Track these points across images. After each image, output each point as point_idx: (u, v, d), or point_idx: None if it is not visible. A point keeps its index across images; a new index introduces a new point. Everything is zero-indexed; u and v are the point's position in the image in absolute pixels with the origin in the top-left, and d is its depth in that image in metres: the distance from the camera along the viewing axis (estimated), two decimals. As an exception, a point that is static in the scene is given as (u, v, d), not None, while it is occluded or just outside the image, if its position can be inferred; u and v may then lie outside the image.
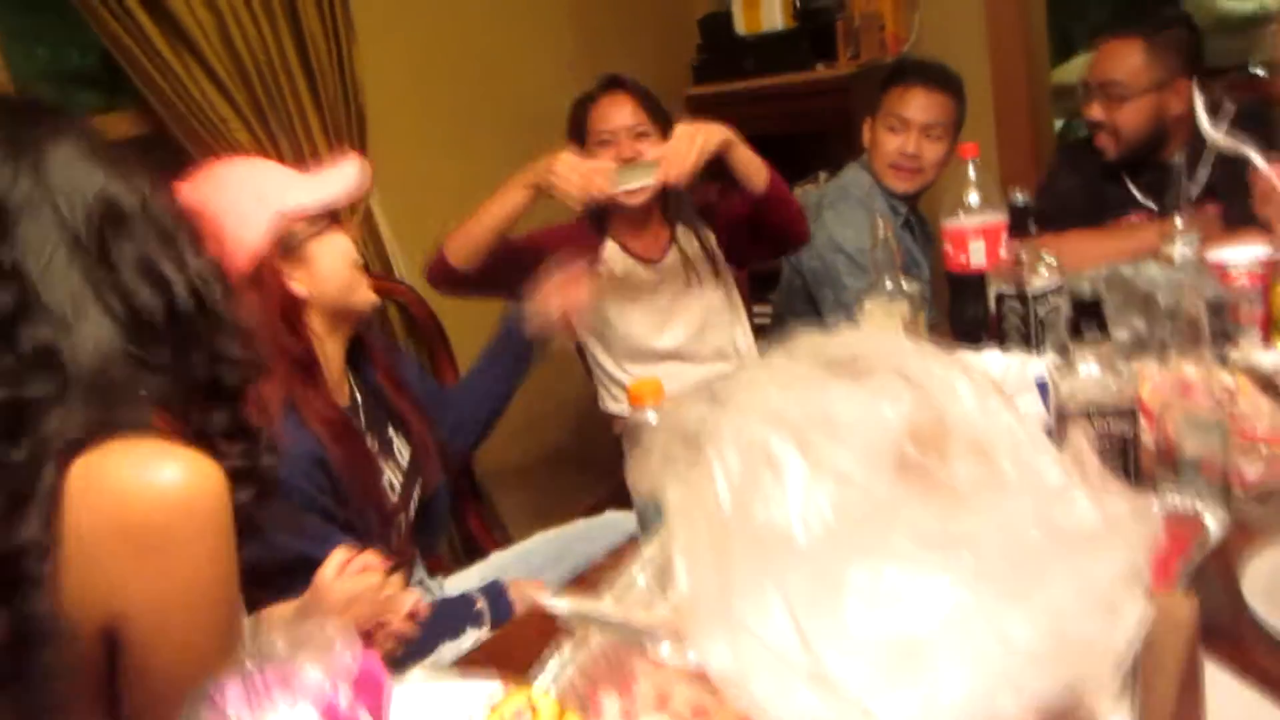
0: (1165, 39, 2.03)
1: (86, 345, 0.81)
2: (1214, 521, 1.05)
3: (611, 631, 0.77)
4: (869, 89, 2.56)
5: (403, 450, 1.52)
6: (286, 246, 1.35)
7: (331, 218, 1.43)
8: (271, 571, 1.14)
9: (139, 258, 0.85)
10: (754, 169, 1.92)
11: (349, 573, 1.13)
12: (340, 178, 1.42)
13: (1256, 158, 1.55)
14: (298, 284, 1.37)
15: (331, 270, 1.40)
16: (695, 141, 1.81)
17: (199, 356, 0.88)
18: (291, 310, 1.36)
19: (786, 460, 0.60)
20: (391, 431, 1.53)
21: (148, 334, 0.84)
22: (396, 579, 1.18)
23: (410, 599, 1.19)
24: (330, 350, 1.43)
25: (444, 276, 1.93)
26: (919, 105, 2.25)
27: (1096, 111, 2.08)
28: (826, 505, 0.59)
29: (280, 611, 1.16)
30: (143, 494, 0.79)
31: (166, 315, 0.85)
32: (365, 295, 1.46)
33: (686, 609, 0.71)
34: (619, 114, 1.96)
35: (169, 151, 2.03)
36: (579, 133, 2.01)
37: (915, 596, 0.58)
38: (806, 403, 0.64)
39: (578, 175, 1.80)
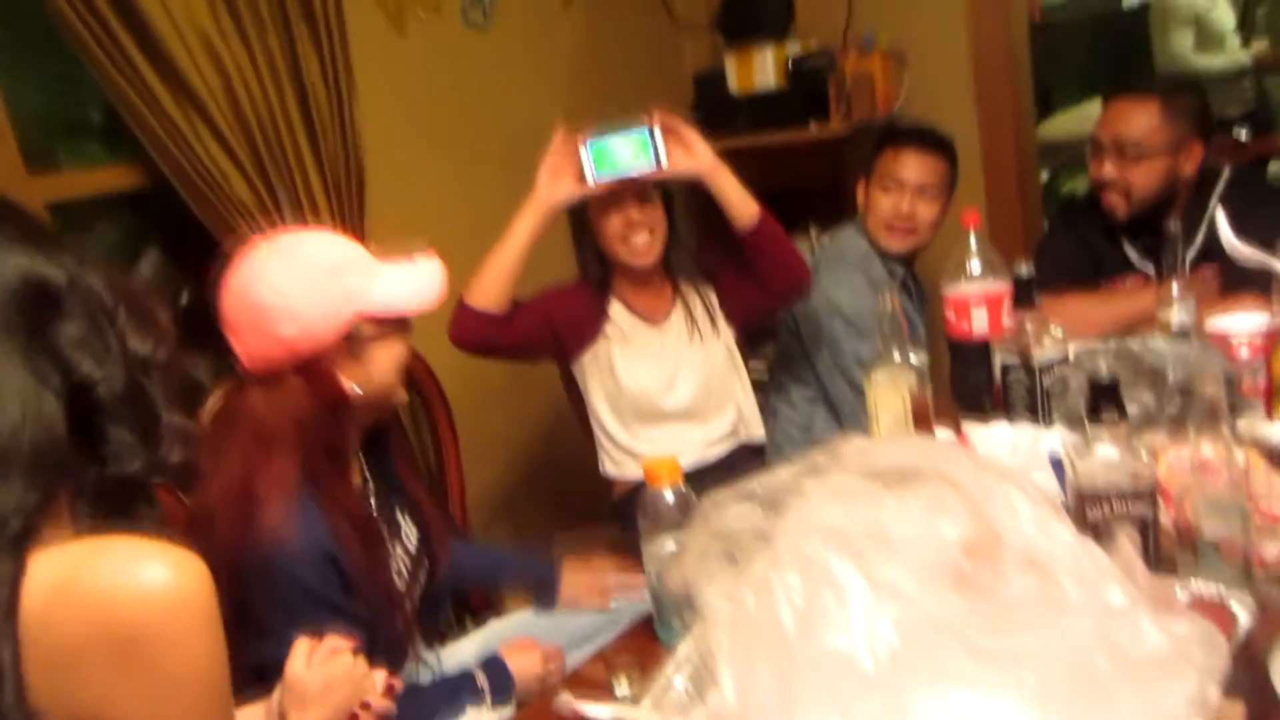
0: (1180, 102, 2.06)
1: (18, 424, 0.77)
2: (1242, 610, 1.04)
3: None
4: (861, 147, 2.59)
5: (410, 534, 1.50)
6: (350, 345, 1.33)
7: (401, 323, 1.39)
8: (274, 667, 1.11)
9: (73, 338, 0.81)
10: (742, 202, 1.97)
11: (318, 659, 1.10)
12: (427, 282, 1.38)
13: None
14: (347, 380, 1.34)
15: (383, 374, 1.38)
16: (694, 131, 1.92)
17: (124, 447, 0.83)
18: (337, 403, 1.33)
19: (848, 582, 0.59)
20: (400, 514, 1.50)
21: (82, 415, 0.81)
22: (361, 658, 1.14)
23: (381, 677, 1.16)
24: (352, 435, 1.41)
25: (471, 326, 1.92)
26: (912, 167, 2.28)
27: (1108, 170, 2.07)
28: (890, 628, 0.59)
29: (251, 713, 1.12)
30: (129, 597, 0.75)
31: (102, 397, 0.81)
32: (401, 395, 1.45)
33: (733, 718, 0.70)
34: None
35: (167, 204, 2.03)
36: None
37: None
38: (862, 518, 0.63)
39: (556, 158, 1.90)
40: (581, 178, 1.91)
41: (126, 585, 0.75)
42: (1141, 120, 2.04)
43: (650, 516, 1.22)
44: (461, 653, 1.69)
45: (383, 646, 1.34)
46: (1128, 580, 0.62)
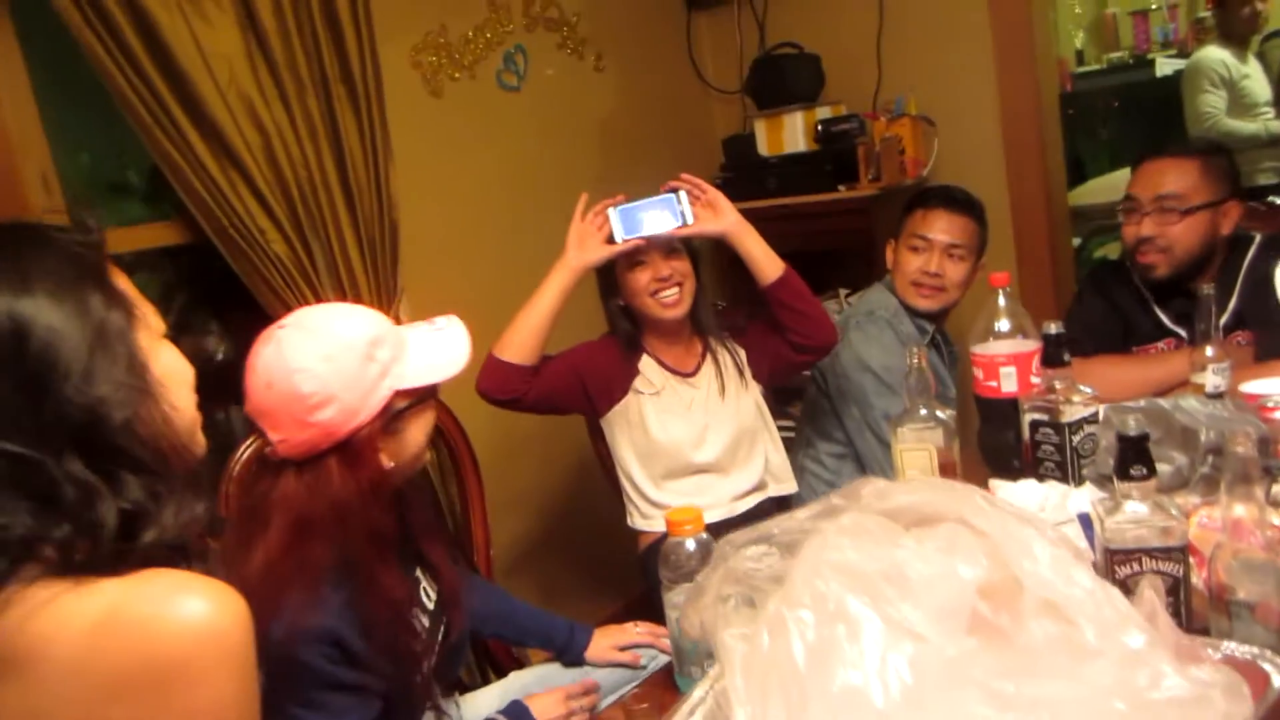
0: (1219, 160, 2.06)
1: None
2: (1276, 672, 1.01)
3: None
4: (890, 209, 2.60)
5: (429, 591, 1.48)
6: (387, 421, 1.30)
7: (432, 390, 1.37)
8: None
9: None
10: (767, 259, 2.03)
11: None
12: (457, 348, 1.37)
13: None
14: (385, 456, 1.31)
15: (416, 445, 1.36)
16: (718, 192, 2.00)
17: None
18: (376, 482, 1.29)
19: (863, 620, 0.58)
20: (419, 572, 1.49)
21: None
22: None
23: None
24: (392, 514, 1.37)
25: (498, 378, 1.94)
26: (941, 226, 2.29)
27: (1148, 227, 2.04)
28: (905, 668, 0.58)
29: None
30: (170, 627, 0.77)
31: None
32: (426, 456, 1.43)
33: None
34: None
35: (206, 260, 2.08)
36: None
37: (998, 768, 0.56)
38: (877, 557, 0.63)
39: (582, 225, 1.96)
40: (610, 240, 1.97)
41: (168, 616, 0.77)
42: (1185, 175, 2.03)
43: (671, 566, 1.22)
44: (480, 704, 1.68)
45: (400, 707, 1.33)
46: (1150, 627, 0.61)
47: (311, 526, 1.24)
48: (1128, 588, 1.08)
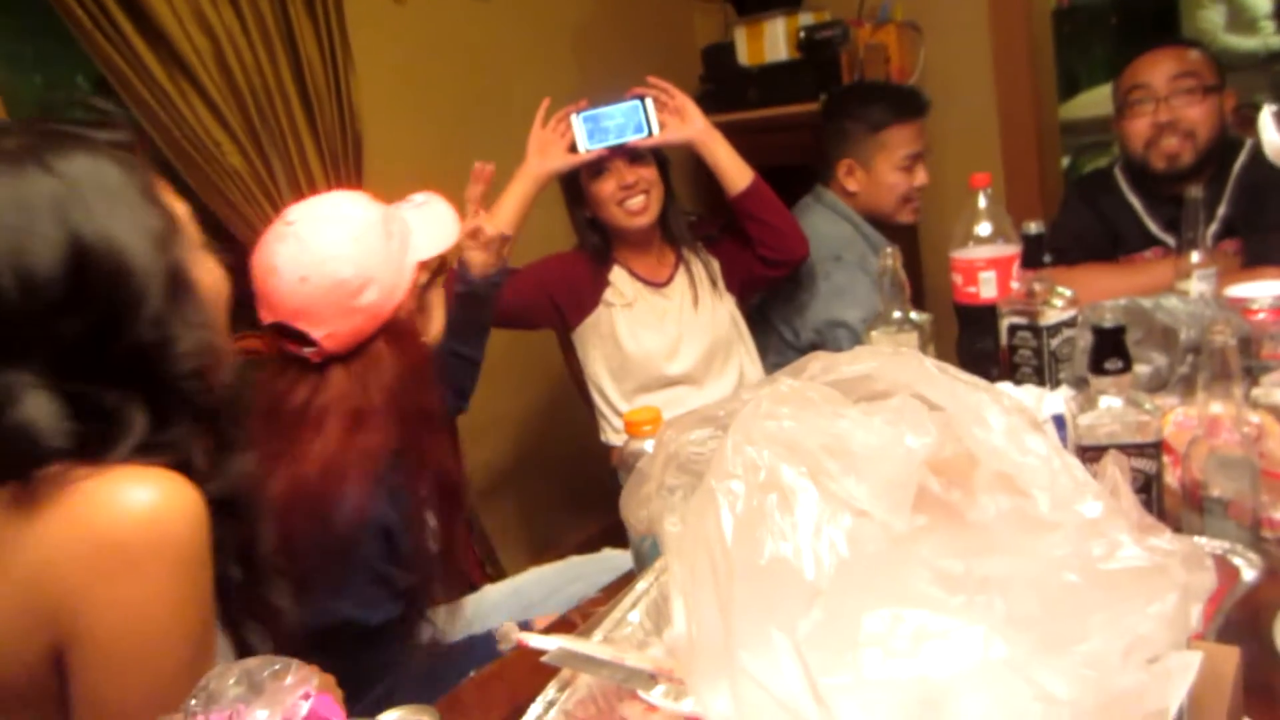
0: (1209, 51, 2.00)
1: None
2: (1247, 566, 0.98)
3: (601, 673, 0.70)
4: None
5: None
6: (417, 297, 1.32)
7: (444, 265, 1.39)
8: (317, 634, 1.08)
9: None
10: (735, 168, 1.98)
11: None
12: (450, 218, 1.40)
13: None
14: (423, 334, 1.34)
15: (439, 320, 1.39)
16: (686, 98, 1.94)
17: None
18: (422, 359, 1.30)
19: (798, 490, 0.54)
20: None
21: None
22: None
23: None
24: (439, 389, 1.38)
25: None
26: (916, 136, 2.22)
27: (1167, 112, 1.95)
28: (841, 540, 0.54)
29: None
30: (112, 510, 0.77)
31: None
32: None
33: (684, 651, 0.65)
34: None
35: (162, 174, 2.00)
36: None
37: (939, 644, 0.52)
38: (820, 430, 0.58)
39: (544, 132, 1.91)
40: (573, 148, 1.91)
41: (110, 500, 0.78)
42: (1190, 60, 1.96)
43: (631, 468, 1.18)
44: (489, 599, 1.70)
45: (413, 611, 1.31)
46: (1109, 496, 0.57)
47: (367, 417, 1.22)
48: (1099, 484, 1.05)
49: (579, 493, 2.76)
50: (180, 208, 0.92)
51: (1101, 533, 0.54)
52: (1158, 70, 1.97)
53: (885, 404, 0.61)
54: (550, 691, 0.73)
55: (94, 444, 0.80)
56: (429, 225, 1.36)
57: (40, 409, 0.78)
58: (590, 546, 1.85)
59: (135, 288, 0.82)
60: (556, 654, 0.71)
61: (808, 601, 0.52)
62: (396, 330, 1.26)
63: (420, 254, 1.31)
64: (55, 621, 0.77)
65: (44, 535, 0.77)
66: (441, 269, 1.39)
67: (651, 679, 0.69)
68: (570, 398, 2.34)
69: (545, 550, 2.65)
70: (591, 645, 0.69)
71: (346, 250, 1.21)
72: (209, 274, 0.94)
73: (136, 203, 0.84)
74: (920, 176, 2.21)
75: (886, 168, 2.20)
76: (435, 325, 1.39)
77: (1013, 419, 0.58)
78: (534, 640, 0.70)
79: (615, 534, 1.78)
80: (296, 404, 1.24)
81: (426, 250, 1.32)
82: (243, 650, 0.93)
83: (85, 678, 0.78)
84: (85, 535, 0.77)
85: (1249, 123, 2.25)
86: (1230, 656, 0.68)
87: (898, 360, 0.62)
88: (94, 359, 0.81)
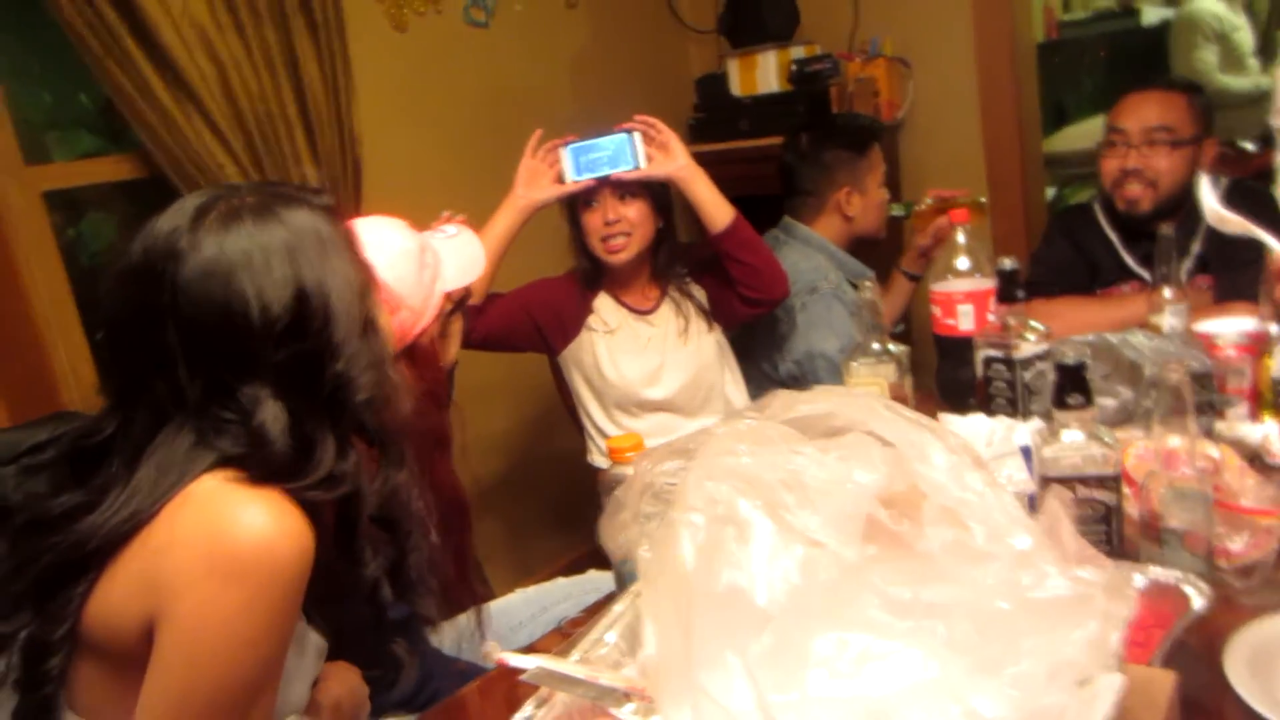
0: (1200, 97, 2.04)
1: None
2: (1197, 595, 1.03)
3: (576, 691, 0.75)
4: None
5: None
6: (441, 323, 1.39)
7: (467, 296, 1.46)
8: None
9: None
10: (716, 206, 1.98)
11: None
12: (475, 250, 1.46)
13: (1268, 238, 1.53)
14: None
15: (457, 348, 1.46)
16: (672, 134, 1.96)
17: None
18: (440, 384, 1.37)
19: (753, 522, 0.59)
20: None
21: None
22: None
23: None
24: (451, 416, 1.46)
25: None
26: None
27: (1135, 159, 2.01)
28: (793, 569, 0.58)
29: None
30: (237, 521, 0.85)
31: None
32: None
33: (653, 671, 0.69)
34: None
35: (163, 196, 2.05)
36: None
37: (881, 665, 0.57)
38: (777, 465, 0.63)
39: (532, 162, 1.95)
40: (560, 179, 1.94)
41: (236, 513, 0.85)
42: (1171, 108, 2.00)
43: (612, 493, 1.22)
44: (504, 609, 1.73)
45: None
46: (1043, 533, 0.62)
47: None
48: (1060, 514, 1.09)
49: (568, 514, 2.80)
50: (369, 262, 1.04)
51: (1032, 564, 0.58)
52: (1135, 116, 2.03)
53: (840, 440, 0.66)
54: (528, 708, 0.78)
55: (295, 463, 0.90)
56: (459, 257, 1.42)
57: (276, 418, 0.89)
58: (578, 568, 1.87)
59: (340, 327, 0.93)
60: (535, 673, 0.75)
61: (760, 626, 0.56)
62: (419, 354, 1.32)
63: (449, 284, 1.37)
64: (157, 594, 0.84)
65: (181, 520, 0.86)
66: (465, 298, 1.46)
67: (624, 697, 0.74)
68: (561, 419, 2.38)
69: (533, 571, 2.69)
70: (568, 665, 0.74)
71: (382, 274, 1.26)
72: (385, 320, 1.06)
73: (343, 255, 0.96)
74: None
75: (875, 186, 2.30)
76: (452, 351, 1.46)
77: (955, 457, 0.63)
78: (514, 659, 0.75)
79: (603, 556, 1.82)
80: None
81: (455, 281, 1.38)
82: None
83: (162, 657, 0.84)
84: (210, 533, 0.84)
85: (1231, 162, 2.32)
86: (1166, 681, 0.72)
87: (853, 400, 0.67)
88: (302, 386, 0.91)
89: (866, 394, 0.65)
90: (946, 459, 0.62)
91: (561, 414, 2.39)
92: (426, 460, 1.28)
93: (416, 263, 1.31)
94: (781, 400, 0.70)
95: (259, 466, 0.88)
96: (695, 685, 0.59)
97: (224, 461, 0.89)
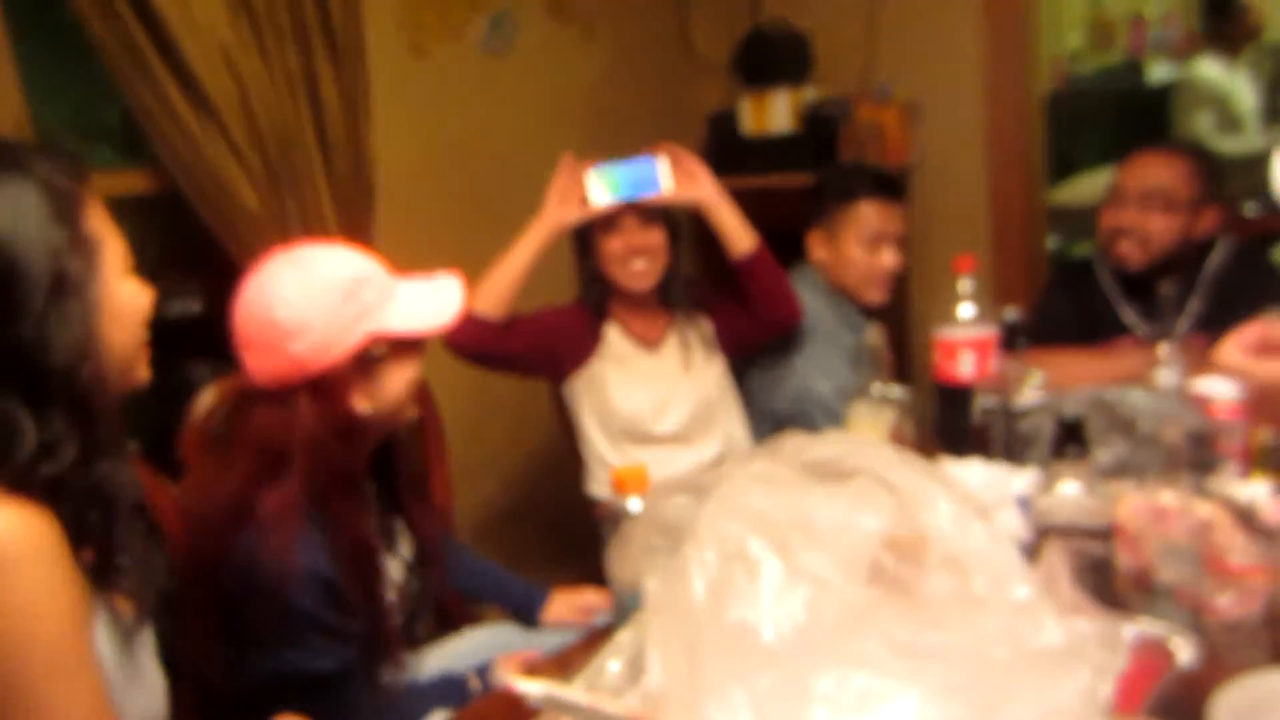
0: (1207, 163, 2.07)
1: None
2: (1185, 650, 1.05)
3: (580, 716, 0.77)
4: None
5: (407, 547, 1.49)
6: (362, 364, 1.30)
7: (416, 343, 1.36)
8: (272, 681, 1.14)
9: None
10: (740, 232, 2.05)
11: None
12: (445, 302, 1.36)
13: None
14: (359, 401, 1.31)
15: (394, 394, 1.35)
16: (698, 162, 2.01)
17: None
18: (348, 426, 1.29)
19: (763, 561, 0.61)
20: (397, 523, 1.49)
21: None
22: None
23: None
24: (362, 456, 1.38)
25: (469, 331, 1.92)
26: (893, 218, 2.21)
27: (1128, 218, 2.05)
28: (800, 607, 0.60)
29: None
30: None
31: None
32: (412, 412, 1.43)
33: (657, 700, 0.71)
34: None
35: (178, 210, 2.08)
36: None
37: (880, 704, 0.59)
38: (787, 506, 0.65)
39: (564, 183, 1.97)
40: (587, 201, 1.98)
41: None
42: (1173, 172, 2.04)
43: (616, 523, 1.24)
44: (439, 658, 1.70)
45: (369, 657, 1.34)
46: (1041, 583, 0.64)
47: (280, 459, 1.25)
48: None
49: (563, 540, 2.81)
50: (109, 234, 0.99)
51: (1029, 613, 0.61)
52: (1137, 177, 2.07)
53: (848, 485, 0.68)
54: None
55: None
56: (417, 304, 1.34)
57: None
58: (572, 594, 1.89)
59: (22, 284, 0.87)
60: (540, 697, 0.77)
61: (766, 661, 0.59)
62: (323, 388, 1.26)
63: (383, 325, 1.29)
64: None
65: None
66: (416, 348, 1.37)
67: (625, 725, 0.76)
68: (556, 447, 2.39)
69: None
70: (573, 691, 0.76)
71: (292, 296, 1.25)
72: (127, 293, 1.01)
73: (42, 221, 0.90)
74: (887, 259, 2.18)
75: (851, 241, 2.17)
76: (388, 398, 1.34)
77: (959, 507, 0.65)
78: (521, 684, 0.76)
79: (595, 581, 1.83)
80: (232, 425, 1.32)
81: (395, 324, 1.31)
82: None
83: None
84: None
85: (1228, 224, 2.35)
86: (1151, 732, 0.74)
87: (862, 446, 0.70)
88: None
89: (877, 441, 0.67)
90: (951, 509, 0.65)
91: (555, 441, 2.40)
92: (328, 501, 1.27)
93: (339, 294, 1.26)
94: (794, 443, 0.72)
95: None
96: (701, 716, 0.61)
97: None
